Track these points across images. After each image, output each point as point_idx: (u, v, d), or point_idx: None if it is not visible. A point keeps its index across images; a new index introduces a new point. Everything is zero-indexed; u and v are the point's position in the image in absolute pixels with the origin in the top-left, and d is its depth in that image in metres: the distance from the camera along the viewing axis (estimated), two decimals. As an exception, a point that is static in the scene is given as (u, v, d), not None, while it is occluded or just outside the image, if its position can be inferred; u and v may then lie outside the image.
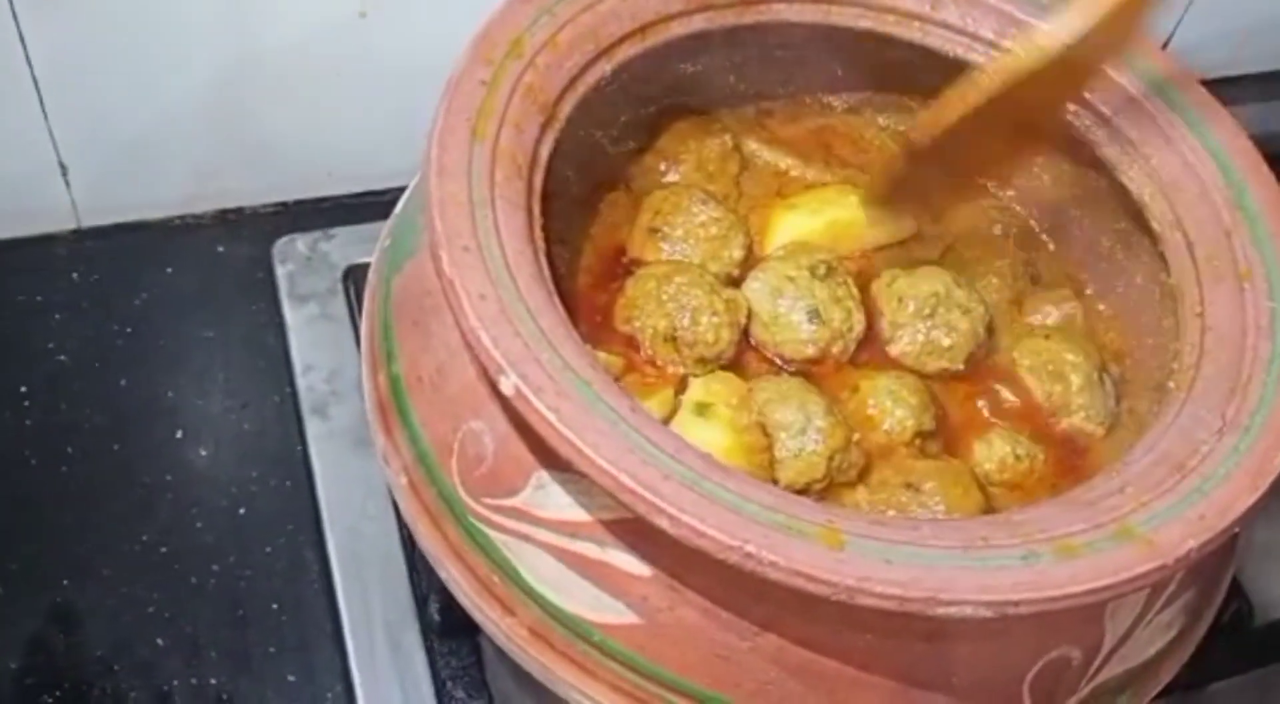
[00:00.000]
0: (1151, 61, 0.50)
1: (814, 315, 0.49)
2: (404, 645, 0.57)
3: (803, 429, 0.46)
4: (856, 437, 0.47)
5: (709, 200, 0.51)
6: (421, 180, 0.41)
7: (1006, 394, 0.50)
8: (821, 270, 0.49)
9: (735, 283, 0.51)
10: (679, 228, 0.50)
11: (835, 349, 0.49)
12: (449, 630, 0.56)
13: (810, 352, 0.49)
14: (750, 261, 0.51)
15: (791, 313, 0.49)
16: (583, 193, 0.52)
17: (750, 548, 0.35)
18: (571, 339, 0.39)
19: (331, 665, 0.56)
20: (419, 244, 0.46)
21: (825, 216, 0.53)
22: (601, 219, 0.52)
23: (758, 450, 0.45)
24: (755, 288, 0.50)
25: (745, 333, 0.50)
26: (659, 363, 0.48)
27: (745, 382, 0.48)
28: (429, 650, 0.56)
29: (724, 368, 0.49)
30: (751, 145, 0.55)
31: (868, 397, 0.48)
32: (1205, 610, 0.46)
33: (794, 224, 0.53)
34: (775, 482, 0.45)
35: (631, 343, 0.48)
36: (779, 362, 0.50)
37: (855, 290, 0.50)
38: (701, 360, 0.48)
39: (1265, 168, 0.48)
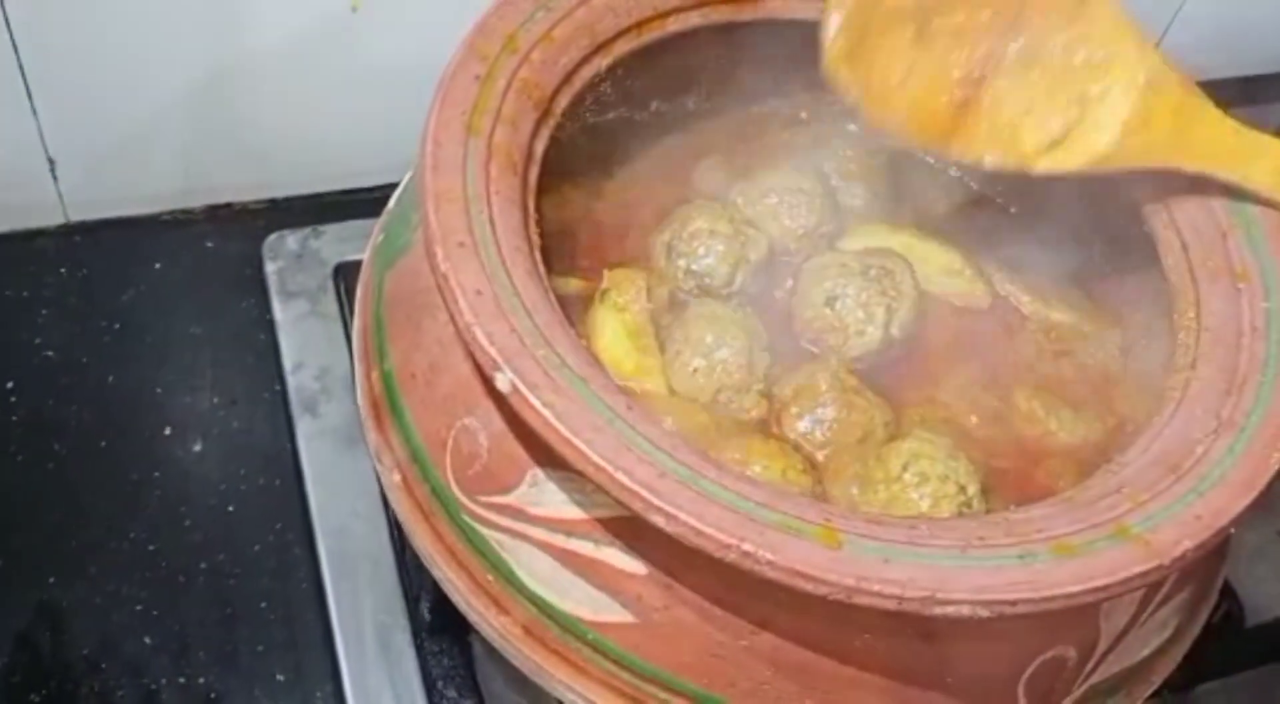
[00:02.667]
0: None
1: (831, 301, 0.49)
2: (394, 644, 0.56)
3: (706, 352, 0.47)
4: (760, 386, 0.47)
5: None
6: (416, 176, 0.41)
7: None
8: (873, 272, 0.49)
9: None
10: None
11: (833, 340, 0.49)
12: (439, 629, 0.56)
13: (808, 332, 0.50)
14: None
15: (813, 290, 0.50)
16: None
17: (747, 546, 0.35)
18: (568, 336, 0.39)
19: (321, 664, 0.56)
20: (412, 240, 0.45)
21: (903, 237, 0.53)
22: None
23: (644, 347, 0.47)
24: (813, 262, 0.51)
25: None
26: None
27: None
28: (419, 650, 0.56)
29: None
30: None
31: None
32: (1199, 611, 0.46)
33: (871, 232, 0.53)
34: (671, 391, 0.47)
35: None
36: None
37: (899, 305, 0.50)
38: (690, 273, 0.49)
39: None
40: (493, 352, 0.37)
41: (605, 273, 0.49)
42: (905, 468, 0.45)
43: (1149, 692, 0.44)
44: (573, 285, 0.48)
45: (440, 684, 0.55)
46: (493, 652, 0.54)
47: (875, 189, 0.55)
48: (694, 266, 0.50)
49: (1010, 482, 0.47)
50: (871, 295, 0.49)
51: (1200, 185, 0.47)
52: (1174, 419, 0.42)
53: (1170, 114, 0.45)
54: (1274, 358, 0.43)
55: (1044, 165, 0.47)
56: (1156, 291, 0.47)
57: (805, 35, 0.50)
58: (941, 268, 0.53)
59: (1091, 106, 0.46)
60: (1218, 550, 0.46)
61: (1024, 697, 0.41)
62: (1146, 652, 0.43)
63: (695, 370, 0.47)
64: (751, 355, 0.48)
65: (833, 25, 0.47)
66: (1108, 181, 0.50)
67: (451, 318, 0.38)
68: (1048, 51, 0.46)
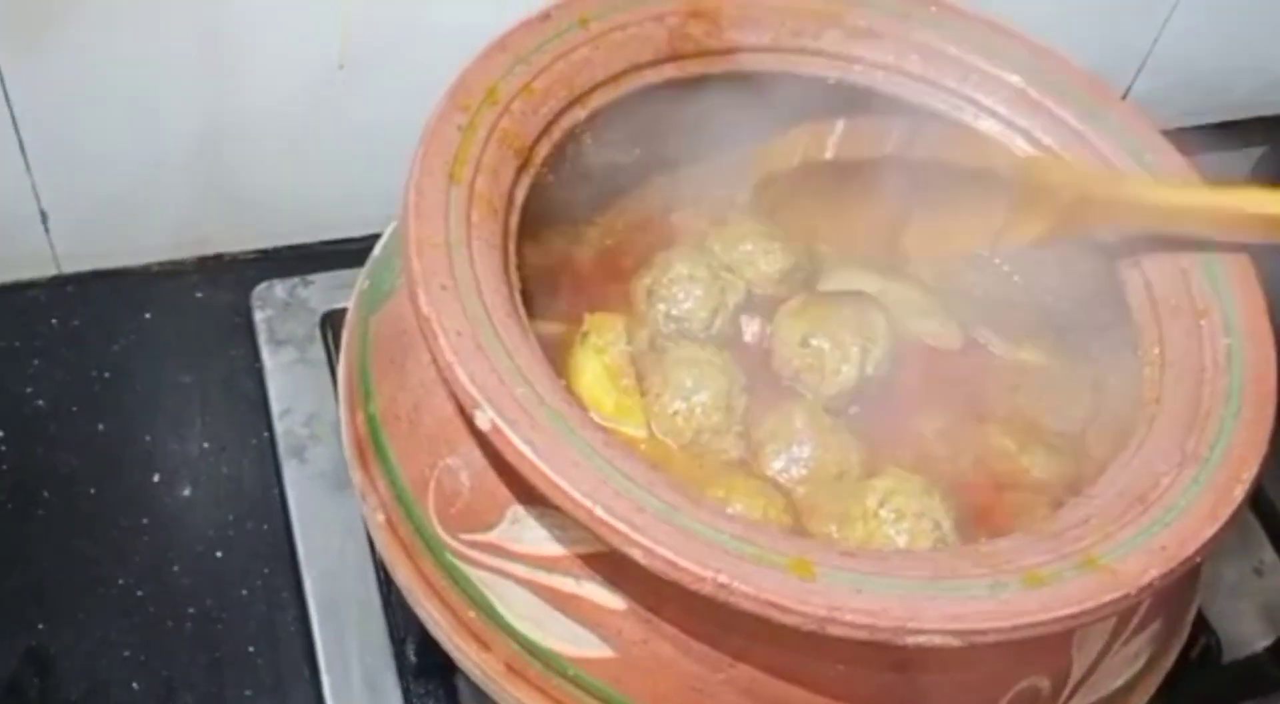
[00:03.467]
0: (1113, 111, 0.52)
1: (807, 341, 0.50)
2: (380, 686, 0.57)
3: (686, 395, 0.48)
4: (739, 429, 0.48)
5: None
6: (400, 222, 0.42)
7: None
8: (848, 313, 0.51)
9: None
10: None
11: (810, 379, 0.50)
12: (425, 671, 0.57)
13: (786, 371, 0.51)
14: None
15: (790, 331, 0.51)
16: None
17: (723, 578, 0.36)
18: (547, 375, 0.40)
19: (308, 708, 0.56)
20: (396, 285, 0.46)
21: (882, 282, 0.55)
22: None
23: (624, 388, 0.48)
24: (789, 304, 0.52)
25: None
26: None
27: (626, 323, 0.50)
28: (405, 692, 0.56)
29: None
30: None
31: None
32: (1172, 642, 0.47)
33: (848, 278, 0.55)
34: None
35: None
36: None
37: (873, 346, 0.51)
38: (670, 317, 0.50)
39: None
40: (473, 390, 0.38)
41: (586, 316, 0.50)
42: (881, 504, 0.46)
43: (1124, 723, 0.45)
44: (554, 328, 0.49)
45: (426, 726, 0.56)
46: (478, 693, 0.55)
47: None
48: (674, 311, 0.51)
49: (983, 517, 0.48)
50: (847, 336, 0.50)
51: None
52: (1139, 453, 0.43)
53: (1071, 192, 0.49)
54: (1235, 392, 0.44)
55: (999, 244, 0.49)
56: (1123, 330, 0.48)
57: (776, 86, 0.52)
58: (915, 309, 0.54)
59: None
60: (1188, 582, 0.47)
61: (999, 727, 0.41)
62: (1119, 683, 0.44)
63: (675, 413, 0.48)
64: (730, 397, 0.49)
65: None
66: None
67: (434, 358, 0.39)
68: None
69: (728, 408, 0.49)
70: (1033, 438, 0.50)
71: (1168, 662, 0.47)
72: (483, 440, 0.40)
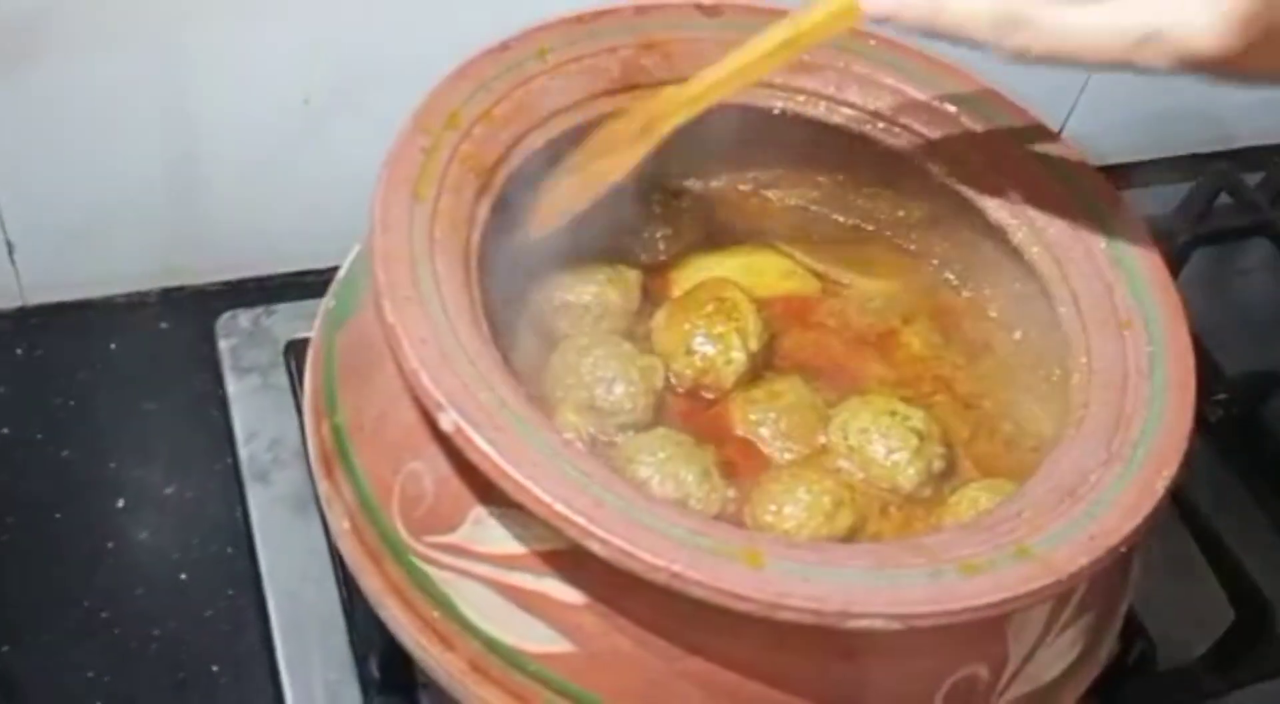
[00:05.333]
0: (1045, 141, 0.55)
1: (690, 349, 0.53)
2: (344, 702, 0.58)
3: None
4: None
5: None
6: (366, 237, 0.44)
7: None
8: (710, 307, 0.53)
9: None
10: None
11: (710, 379, 0.53)
12: (388, 688, 0.58)
13: (686, 383, 0.53)
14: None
15: (671, 346, 0.53)
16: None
17: (677, 567, 0.38)
18: (507, 381, 0.42)
19: (272, 726, 0.57)
20: (361, 302, 0.48)
21: (740, 259, 0.57)
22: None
23: None
24: (655, 320, 0.54)
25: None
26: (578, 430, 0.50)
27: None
28: (368, 707, 0.57)
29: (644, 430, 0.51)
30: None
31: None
32: (1104, 635, 0.49)
33: (708, 264, 0.57)
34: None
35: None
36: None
37: (749, 327, 0.53)
38: (622, 427, 0.51)
39: (1143, 226, 0.52)
40: (437, 394, 0.40)
41: None
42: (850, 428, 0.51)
43: (1061, 714, 0.47)
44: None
45: (389, 741, 0.57)
46: (441, 706, 0.56)
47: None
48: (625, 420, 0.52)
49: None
50: (717, 326, 0.53)
51: (1088, 246, 0.52)
52: (1069, 452, 0.45)
53: None
54: (1158, 396, 0.47)
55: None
56: (1053, 340, 0.51)
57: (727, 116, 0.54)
58: (776, 273, 0.58)
59: None
60: (1118, 576, 0.50)
61: (942, 714, 0.43)
62: (1055, 673, 0.46)
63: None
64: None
65: None
66: (1002, 243, 0.54)
67: (398, 365, 0.41)
68: None
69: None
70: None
71: (1101, 654, 0.49)
72: (446, 444, 0.42)
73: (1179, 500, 0.69)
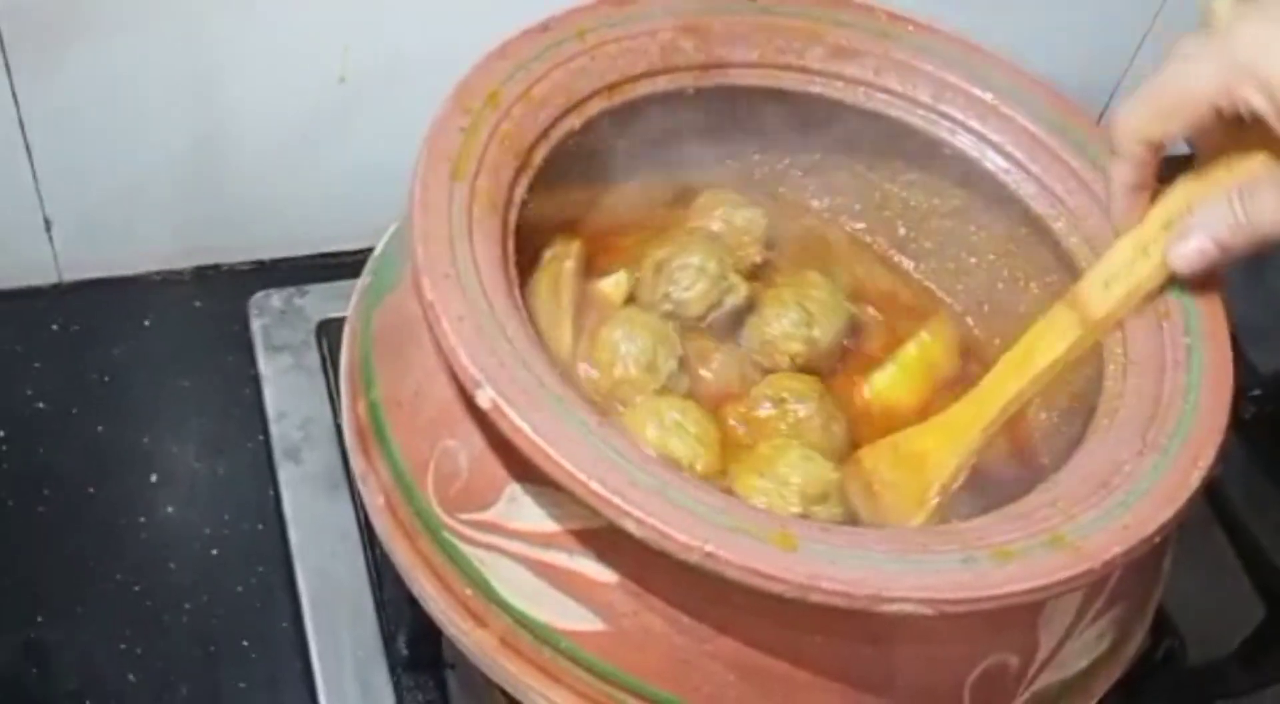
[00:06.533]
0: (1081, 127, 0.55)
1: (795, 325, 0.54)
2: (372, 680, 0.58)
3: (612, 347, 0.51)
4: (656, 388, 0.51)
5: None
6: (405, 215, 0.44)
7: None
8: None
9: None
10: None
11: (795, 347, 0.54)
12: (416, 665, 0.58)
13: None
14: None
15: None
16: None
17: (710, 547, 0.38)
18: (543, 359, 0.42)
19: (301, 701, 0.58)
20: (399, 278, 0.48)
21: None
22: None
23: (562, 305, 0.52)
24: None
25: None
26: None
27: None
28: (396, 685, 0.58)
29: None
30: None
31: None
32: (1134, 628, 0.49)
33: None
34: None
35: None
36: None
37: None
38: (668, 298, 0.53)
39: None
40: (475, 371, 0.40)
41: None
42: None
43: (1090, 704, 0.47)
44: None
45: (416, 718, 0.57)
46: (467, 686, 0.57)
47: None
48: (675, 294, 0.53)
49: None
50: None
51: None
52: (1104, 442, 0.45)
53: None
54: (1194, 388, 0.46)
55: None
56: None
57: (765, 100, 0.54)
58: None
59: None
60: (1150, 568, 0.49)
61: (970, 702, 0.43)
62: (1085, 663, 0.46)
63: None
64: (655, 355, 0.51)
65: None
66: (1040, 232, 0.54)
67: (436, 343, 0.41)
68: None
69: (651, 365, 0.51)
70: None
71: (1130, 648, 0.49)
72: (482, 421, 0.42)
73: (1211, 497, 0.69)
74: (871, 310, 0.58)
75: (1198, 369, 0.47)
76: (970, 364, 0.57)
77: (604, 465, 0.39)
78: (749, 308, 0.55)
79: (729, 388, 0.54)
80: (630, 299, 0.54)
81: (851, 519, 0.49)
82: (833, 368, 0.55)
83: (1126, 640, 0.48)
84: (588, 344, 0.51)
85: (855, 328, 0.57)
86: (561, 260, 0.52)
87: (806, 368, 0.54)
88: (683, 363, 0.52)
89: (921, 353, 0.56)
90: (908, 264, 0.61)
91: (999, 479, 0.50)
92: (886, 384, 0.55)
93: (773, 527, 0.39)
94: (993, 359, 0.52)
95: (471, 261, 0.43)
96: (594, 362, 0.51)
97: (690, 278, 0.53)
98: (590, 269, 0.54)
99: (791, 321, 0.53)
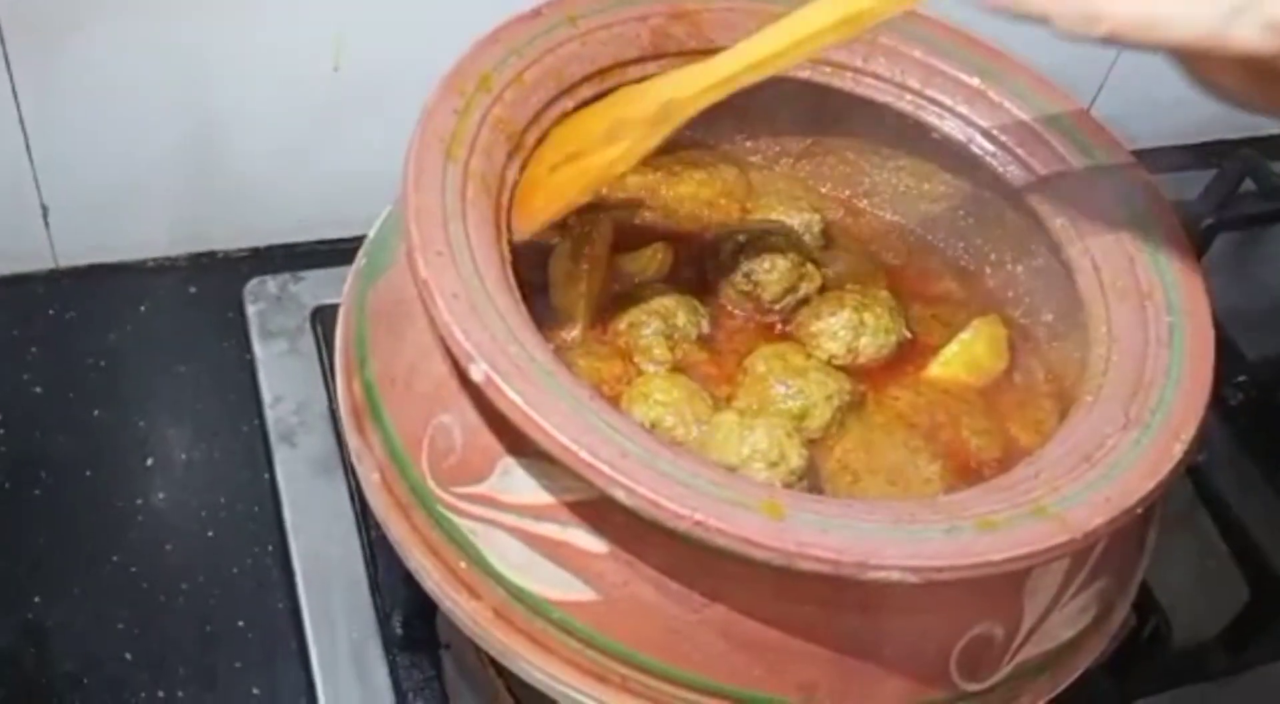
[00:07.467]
0: (1067, 113, 0.55)
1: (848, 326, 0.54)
2: (367, 660, 0.59)
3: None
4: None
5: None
6: (399, 194, 0.45)
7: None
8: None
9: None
10: None
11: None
12: (410, 645, 0.59)
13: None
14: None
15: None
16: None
17: (699, 516, 0.38)
18: (535, 336, 0.42)
19: (296, 680, 0.58)
20: (393, 259, 0.49)
21: None
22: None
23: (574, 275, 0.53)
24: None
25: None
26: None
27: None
28: (391, 664, 0.59)
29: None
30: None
31: None
32: (1118, 602, 0.49)
33: None
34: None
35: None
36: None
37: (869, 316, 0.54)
38: (747, 278, 0.54)
39: (1165, 200, 0.53)
40: (468, 346, 0.41)
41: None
42: None
43: (1072, 677, 0.48)
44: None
45: (411, 697, 0.58)
46: (462, 666, 0.58)
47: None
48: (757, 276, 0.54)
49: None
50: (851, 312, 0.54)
51: (1110, 218, 0.52)
52: (1087, 418, 0.46)
53: None
54: (1176, 365, 0.47)
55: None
56: (1072, 309, 0.52)
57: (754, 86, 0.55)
58: None
59: None
60: (1132, 542, 0.50)
61: (956, 670, 0.44)
62: (1070, 635, 0.47)
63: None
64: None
65: None
66: (1026, 215, 0.55)
67: (430, 319, 0.42)
68: None
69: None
70: None
71: (1114, 622, 0.49)
72: (475, 396, 0.43)
73: (1197, 481, 0.70)
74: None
75: (1180, 346, 0.48)
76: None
77: (595, 437, 0.40)
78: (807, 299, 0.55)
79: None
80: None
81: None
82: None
83: (1109, 614, 0.49)
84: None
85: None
86: (586, 229, 0.53)
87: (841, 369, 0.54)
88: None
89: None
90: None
91: (982, 460, 0.51)
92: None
93: (761, 496, 0.40)
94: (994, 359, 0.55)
95: (465, 240, 0.44)
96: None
97: (771, 262, 0.54)
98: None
99: (842, 322, 0.54)
